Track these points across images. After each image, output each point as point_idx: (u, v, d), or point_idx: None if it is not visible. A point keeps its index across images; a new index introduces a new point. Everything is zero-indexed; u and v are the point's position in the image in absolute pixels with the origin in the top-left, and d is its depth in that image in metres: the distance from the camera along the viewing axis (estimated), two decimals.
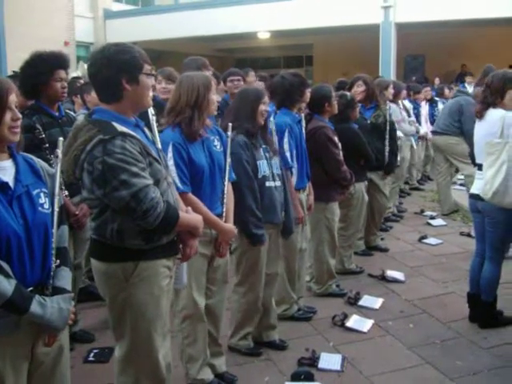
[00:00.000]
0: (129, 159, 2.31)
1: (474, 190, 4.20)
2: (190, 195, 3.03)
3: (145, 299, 2.52)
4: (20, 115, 2.11)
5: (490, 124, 4.01)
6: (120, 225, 2.42)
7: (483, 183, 3.93)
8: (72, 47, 17.13)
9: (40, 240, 2.15)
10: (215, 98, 3.22)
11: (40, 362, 2.23)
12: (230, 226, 3.25)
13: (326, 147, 4.66)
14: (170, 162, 2.97)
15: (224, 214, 3.22)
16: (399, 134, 7.03)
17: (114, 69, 2.40)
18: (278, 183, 3.76)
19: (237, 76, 6.03)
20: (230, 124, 3.33)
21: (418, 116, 9.26)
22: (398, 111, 7.37)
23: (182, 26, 17.00)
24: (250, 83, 8.15)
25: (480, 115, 4.12)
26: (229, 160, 3.27)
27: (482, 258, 4.26)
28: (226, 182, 3.24)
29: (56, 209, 2.22)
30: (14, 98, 2.09)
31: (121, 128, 2.37)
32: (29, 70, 3.58)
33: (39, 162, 2.28)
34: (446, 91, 10.69)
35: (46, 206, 2.18)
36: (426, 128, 9.38)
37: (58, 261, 2.23)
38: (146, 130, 2.64)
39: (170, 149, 2.99)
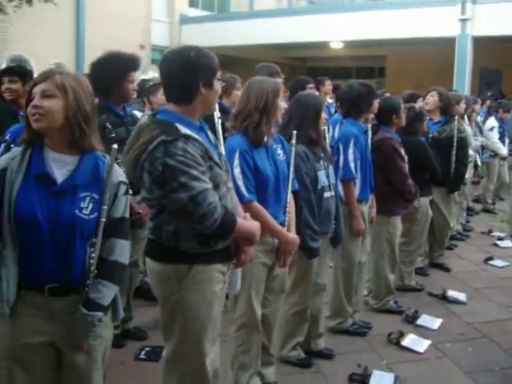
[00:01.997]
0: (189, 162, 2.30)
1: None
2: (256, 203, 2.99)
3: (196, 302, 2.52)
4: (39, 103, 2.08)
5: None
6: (176, 227, 2.43)
7: None
8: (147, 51, 17.54)
9: (67, 241, 2.12)
10: (283, 104, 3.19)
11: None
12: (294, 235, 3.21)
13: (393, 159, 4.55)
14: (237, 170, 2.95)
15: (286, 224, 3.19)
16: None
17: (194, 71, 2.41)
18: (333, 193, 3.71)
19: (310, 84, 5.97)
20: (295, 132, 3.28)
21: (503, 135, 8.83)
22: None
23: (255, 34, 17.13)
24: (325, 93, 8.14)
25: None
26: (292, 169, 3.23)
27: None
28: (288, 191, 3.20)
29: (102, 218, 2.16)
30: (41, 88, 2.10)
31: (184, 130, 2.37)
32: (102, 70, 3.64)
33: (110, 168, 2.18)
34: None
35: (87, 211, 2.13)
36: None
37: (96, 271, 2.19)
38: (209, 133, 2.65)
39: (237, 156, 2.96)
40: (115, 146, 2.22)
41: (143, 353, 3.95)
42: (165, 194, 2.33)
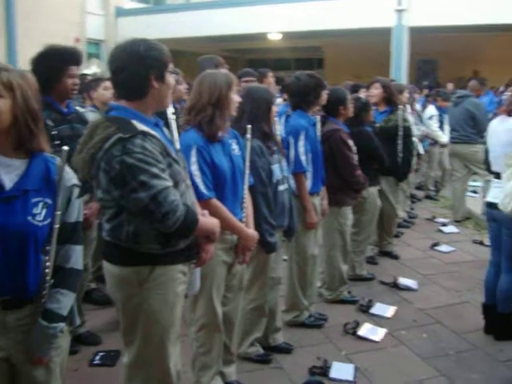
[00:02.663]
0: (149, 159, 2.22)
1: (491, 198, 4.10)
2: (215, 201, 2.92)
3: (159, 305, 2.44)
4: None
5: (509, 133, 3.89)
6: (136, 227, 2.34)
7: (503, 196, 3.81)
8: (83, 44, 17.06)
9: (19, 250, 2.00)
10: (236, 98, 3.12)
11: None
12: (253, 231, 3.16)
13: (341, 150, 4.56)
14: (194, 167, 2.87)
15: (244, 220, 3.14)
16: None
17: (144, 65, 2.31)
18: (286, 185, 3.68)
19: (252, 77, 5.90)
20: (249, 126, 3.21)
21: (442, 123, 8.96)
22: None
23: (193, 26, 16.93)
24: (268, 85, 8.09)
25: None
26: (248, 164, 3.17)
27: (497, 269, 4.16)
28: (245, 187, 3.15)
29: (55, 224, 2.05)
30: None
31: (141, 127, 2.28)
32: (41, 65, 3.47)
33: (62, 170, 2.08)
34: None
35: (40, 217, 2.01)
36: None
37: (52, 280, 2.08)
38: (164, 129, 2.56)
39: (194, 152, 2.88)
40: (66, 147, 2.11)
41: (97, 358, 3.83)
42: (124, 193, 2.24)
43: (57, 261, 2.10)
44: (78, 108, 4.03)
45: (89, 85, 5.38)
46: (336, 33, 16.35)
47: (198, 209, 2.60)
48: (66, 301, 2.13)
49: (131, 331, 2.50)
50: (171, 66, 2.43)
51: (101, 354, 3.87)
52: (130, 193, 2.22)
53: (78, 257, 2.19)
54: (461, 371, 3.69)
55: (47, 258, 2.05)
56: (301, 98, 4.22)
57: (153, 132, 2.32)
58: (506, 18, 12.93)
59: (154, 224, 2.30)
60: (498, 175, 4.04)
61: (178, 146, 2.73)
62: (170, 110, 2.98)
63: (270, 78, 8.10)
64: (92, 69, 6.14)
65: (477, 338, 4.17)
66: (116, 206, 2.34)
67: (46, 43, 3.59)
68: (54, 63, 3.47)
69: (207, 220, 2.56)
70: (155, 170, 2.23)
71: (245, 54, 23.20)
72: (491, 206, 4.08)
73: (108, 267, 2.49)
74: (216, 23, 16.72)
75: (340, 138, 4.56)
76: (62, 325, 2.10)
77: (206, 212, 2.62)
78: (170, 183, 2.28)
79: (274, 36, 18.36)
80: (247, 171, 3.14)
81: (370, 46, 16.40)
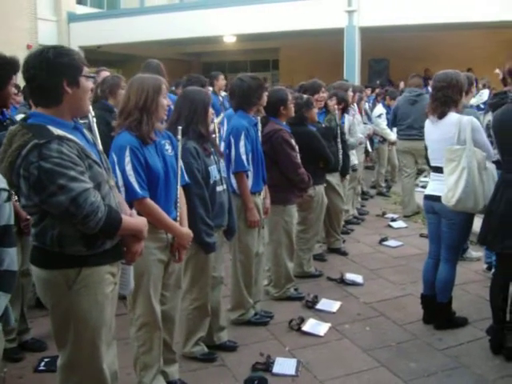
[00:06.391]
0: (66, 163, 2.24)
1: (430, 191, 4.24)
2: (149, 200, 2.97)
3: (88, 307, 2.46)
4: None
5: (446, 128, 4.01)
6: (60, 231, 2.36)
7: (446, 190, 3.94)
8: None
9: None
10: (166, 101, 3.15)
11: None
12: (187, 229, 3.21)
13: (283, 150, 4.64)
14: (128, 167, 2.91)
15: (178, 219, 3.18)
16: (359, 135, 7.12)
17: (55, 72, 2.34)
18: (225, 186, 3.74)
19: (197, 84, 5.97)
20: (180, 128, 3.26)
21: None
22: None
23: (147, 30, 16.81)
24: (219, 87, 8.19)
25: (441, 115, 4.08)
26: (180, 164, 3.22)
27: (435, 260, 4.30)
28: (178, 186, 3.19)
29: None
30: None
31: (57, 131, 2.30)
32: None
33: None
34: None
35: None
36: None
37: None
38: (86, 132, 2.58)
39: (128, 153, 2.92)
40: None
41: (42, 364, 3.81)
42: (43, 198, 2.26)
43: None
44: (21, 115, 4.02)
45: None
46: (290, 34, 16.47)
47: (125, 208, 2.64)
48: (0, 301, 2.17)
49: (62, 334, 2.52)
50: (86, 70, 2.46)
51: (46, 359, 3.84)
52: (49, 197, 2.25)
53: (12, 259, 2.23)
54: (400, 361, 3.80)
55: None
56: (243, 99, 4.28)
57: (70, 136, 2.34)
58: (455, 16, 13.24)
59: (77, 226, 2.32)
60: (436, 170, 4.16)
61: (100, 147, 2.74)
62: (91, 114, 3.00)
63: (221, 80, 8.23)
64: None
65: (417, 328, 4.29)
66: (39, 212, 2.36)
67: None
68: (1, 72, 3.48)
69: (133, 219, 2.60)
70: (73, 173, 2.25)
71: (200, 57, 23.19)
72: (430, 198, 4.21)
73: (36, 271, 2.50)
74: (170, 27, 16.66)
75: (281, 137, 4.63)
76: None
77: (133, 212, 2.66)
78: (89, 185, 2.31)
79: (229, 39, 18.40)
80: (179, 171, 3.19)
81: (323, 47, 16.60)
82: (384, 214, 8.13)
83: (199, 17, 16.48)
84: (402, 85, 14.63)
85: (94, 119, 3.03)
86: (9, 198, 2.21)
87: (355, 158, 7.10)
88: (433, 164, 4.26)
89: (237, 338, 4.09)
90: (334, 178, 6.02)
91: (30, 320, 4.09)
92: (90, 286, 2.45)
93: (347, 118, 6.73)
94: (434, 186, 4.19)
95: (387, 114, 9.05)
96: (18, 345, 3.91)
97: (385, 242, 6.66)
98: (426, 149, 4.41)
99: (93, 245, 2.42)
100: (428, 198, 4.28)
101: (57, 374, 2.64)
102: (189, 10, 17.16)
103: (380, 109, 9.16)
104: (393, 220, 7.73)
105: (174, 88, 7.75)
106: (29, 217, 3.51)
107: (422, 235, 6.86)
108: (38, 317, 4.39)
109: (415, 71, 14.85)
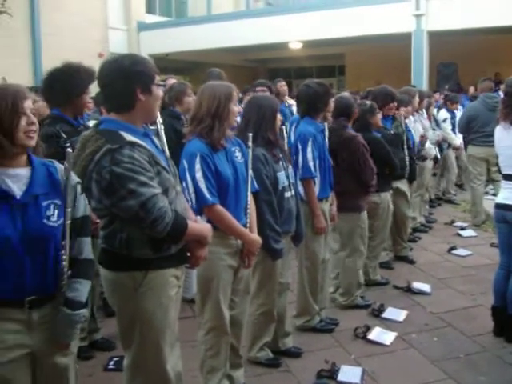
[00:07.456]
0: (137, 168, 2.33)
1: (502, 200, 4.11)
2: (219, 206, 3.02)
3: (153, 309, 2.53)
4: (35, 119, 2.17)
5: None
6: (129, 234, 2.45)
7: None
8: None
9: (42, 251, 2.18)
10: (236, 108, 3.20)
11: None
12: (256, 236, 3.24)
13: (364, 155, 4.61)
14: (199, 174, 2.97)
15: (248, 225, 3.22)
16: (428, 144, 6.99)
17: (129, 79, 2.43)
18: (293, 192, 3.75)
19: (263, 87, 6.05)
20: (251, 134, 3.30)
21: (455, 126, 8.94)
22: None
23: (214, 37, 17.10)
24: (279, 93, 8.22)
25: None
26: (250, 171, 3.26)
27: (507, 271, 4.16)
28: (248, 193, 3.23)
29: (67, 221, 2.23)
30: (29, 105, 2.17)
31: (129, 137, 2.39)
32: (60, 81, 3.64)
33: (62, 171, 2.28)
34: None
35: (54, 218, 2.19)
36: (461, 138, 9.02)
37: (70, 271, 2.26)
38: (154, 138, 2.66)
39: (198, 160, 2.98)
40: (69, 149, 2.31)
41: (112, 363, 3.92)
42: (114, 202, 2.35)
43: (72, 254, 2.28)
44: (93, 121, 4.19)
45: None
46: (356, 40, 16.39)
47: (191, 214, 2.71)
48: (83, 289, 2.32)
49: (128, 335, 2.61)
50: (157, 79, 2.54)
51: (115, 359, 3.95)
52: (119, 201, 2.33)
53: (89, 248, 2.38)
54: (468, 373, 3.70)
55: (63, 252, 2.24)
56: (309, 106, 4.30)
57: (141, 142, 2.43)
58: None
59: (145, 230, 2.40)
60: (507, 177, 4.05)
61: (168, 153, 2.81)
62: (159, 121, 3.08)
63: (282, 86, 8.29)
64: None
65: (487, 340, 4.17)
66: (109, 215, 2.46)
67: (71, 59, 3.79)
68: (78, 81, 3.65)
69: (197, 225, 2.66)
70: (143, 178, 2.33)
71: (266, 64, 23.34)
72: (502, 207, 4.09)
73: (104, 273, 2.60)
74: (237, 34, 16.90)
75: (361, 143, 4.61)
76: (83, 311, 2.29)
77: (198, 218, 2.73)
78: (158, 190, 2.38)
79: (295, 45, 18.45)
80: (249, 178, 3.22)
81: (390, 52, 16.41)
82: (453, 222, 7.94)
83: (265, 24, 16.64)
84: (471, 90, 14.28)
85: (162, 126, 3.10)
86: (83, 191, 2.35)
87: (433, 147, 7.03)
88: (504, 172, 4.14)
89: (302, 345, 4.09)
90: (403, 185, 5.94)
91: (99, 320, 4.22)
92: (155, 288, 2.52)
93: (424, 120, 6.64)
94: (506, 194, 4.07)
95: (451, 118, 8.88)
96: (88, 344, 4.04)
97: (454, 251, 6.50)
98: (497, 156, 4.30)
99: (159, 248, 2.49)
100: (499, 206, 4.15)
101: (123, 373, 2.73)
102: (255, 17, 17.36)
103: (444, 113, 8.98)
104: (462, 228, 7.53)
105: (241, 95, 7.85)
106: (98, 220, 3.68)
107: (492, 245, 6.64)
108: (106, 316, 4.52)
109: (485, 75, 14.48)
